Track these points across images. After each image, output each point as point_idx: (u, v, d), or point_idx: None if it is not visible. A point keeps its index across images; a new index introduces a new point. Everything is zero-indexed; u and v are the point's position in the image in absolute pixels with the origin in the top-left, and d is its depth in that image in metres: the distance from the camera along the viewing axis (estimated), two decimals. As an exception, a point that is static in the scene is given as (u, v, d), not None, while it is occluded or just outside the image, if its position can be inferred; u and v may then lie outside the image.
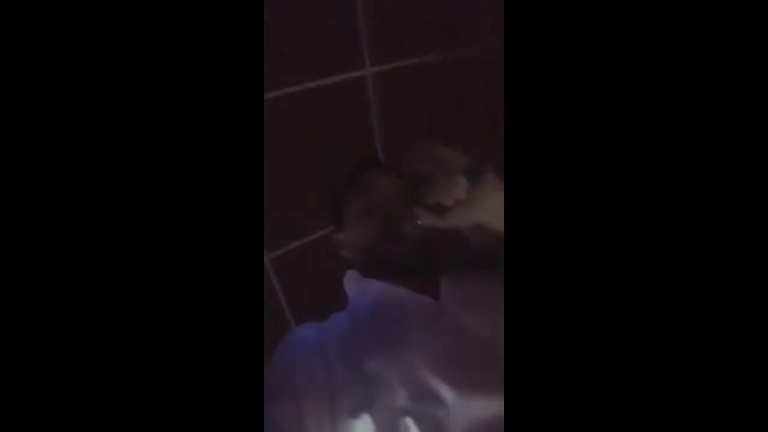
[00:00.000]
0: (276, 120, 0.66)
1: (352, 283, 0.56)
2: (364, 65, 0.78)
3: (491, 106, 1.02)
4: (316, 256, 0.88)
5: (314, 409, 0.41)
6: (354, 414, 0.39)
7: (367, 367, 0.42)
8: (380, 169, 0.62)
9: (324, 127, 0.78)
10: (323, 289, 0.63)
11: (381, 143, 0.89)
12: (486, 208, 0.42)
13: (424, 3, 0.81)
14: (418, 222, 0.45)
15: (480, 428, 0.38)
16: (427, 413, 0.38)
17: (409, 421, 0.37)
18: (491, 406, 0.38)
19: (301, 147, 0.77)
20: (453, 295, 0.48)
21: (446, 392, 0.39)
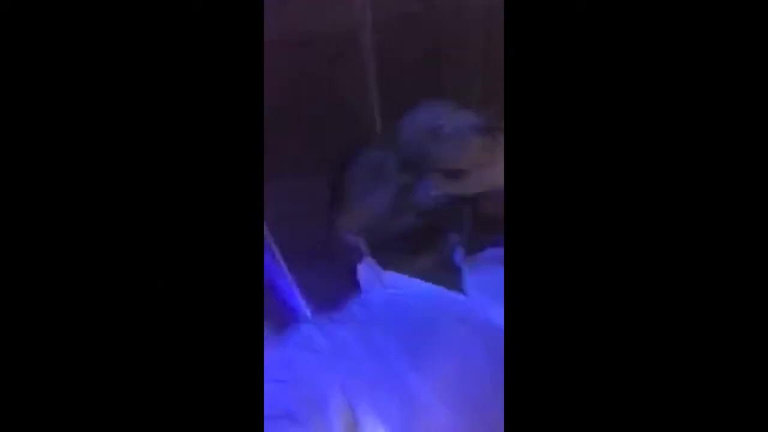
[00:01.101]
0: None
1: (368, 273, 0.53)
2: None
3: (483, 62, 0.98)
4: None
5: (336, 415, 0.39)
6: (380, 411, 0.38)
7: (393, 369, 0.40)
8: (382, 143, 0.59)
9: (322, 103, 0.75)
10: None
11: (380, 116, 0.85)
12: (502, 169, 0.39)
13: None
14: (434, 191, 0.43)
15: None
16: (454, 406, 0.38)
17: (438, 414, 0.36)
18: None
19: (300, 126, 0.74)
20: (478, 287, 0.47)
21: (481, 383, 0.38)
